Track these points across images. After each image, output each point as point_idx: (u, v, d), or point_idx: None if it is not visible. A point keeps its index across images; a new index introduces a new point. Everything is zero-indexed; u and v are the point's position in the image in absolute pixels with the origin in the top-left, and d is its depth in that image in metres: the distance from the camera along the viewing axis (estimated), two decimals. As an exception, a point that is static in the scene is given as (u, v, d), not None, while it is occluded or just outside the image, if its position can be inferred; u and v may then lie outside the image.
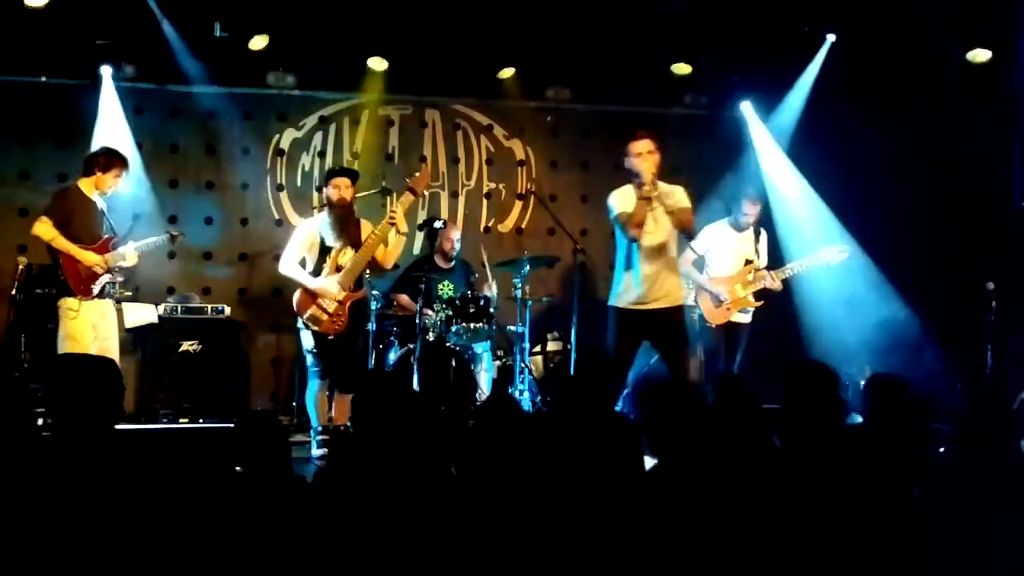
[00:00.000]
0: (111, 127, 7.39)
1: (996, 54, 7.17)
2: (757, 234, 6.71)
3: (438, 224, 6.63)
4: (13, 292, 6.78)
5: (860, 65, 7.42)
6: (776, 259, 6.89)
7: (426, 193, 7.50)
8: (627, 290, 5.78)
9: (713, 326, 6.58)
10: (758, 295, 6.61)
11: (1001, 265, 6.93)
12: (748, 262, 6.62)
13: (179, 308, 7.11)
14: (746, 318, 6.65)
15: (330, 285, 5.87)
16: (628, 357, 5.88)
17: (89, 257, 5.85)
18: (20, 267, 6.85)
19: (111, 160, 6.00)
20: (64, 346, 5.76)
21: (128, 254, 5.99)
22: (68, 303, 5.81)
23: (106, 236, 5.99)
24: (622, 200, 5.81)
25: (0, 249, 7.27)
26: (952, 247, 7.53)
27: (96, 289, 5.87)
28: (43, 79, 7.41)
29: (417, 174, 6.21)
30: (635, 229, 5.68)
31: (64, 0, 6.60)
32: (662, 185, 5.74)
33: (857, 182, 7.79)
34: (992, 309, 6.52)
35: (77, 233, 5.86)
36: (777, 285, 6.57)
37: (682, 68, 7.64)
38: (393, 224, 5.92)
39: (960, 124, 7.43)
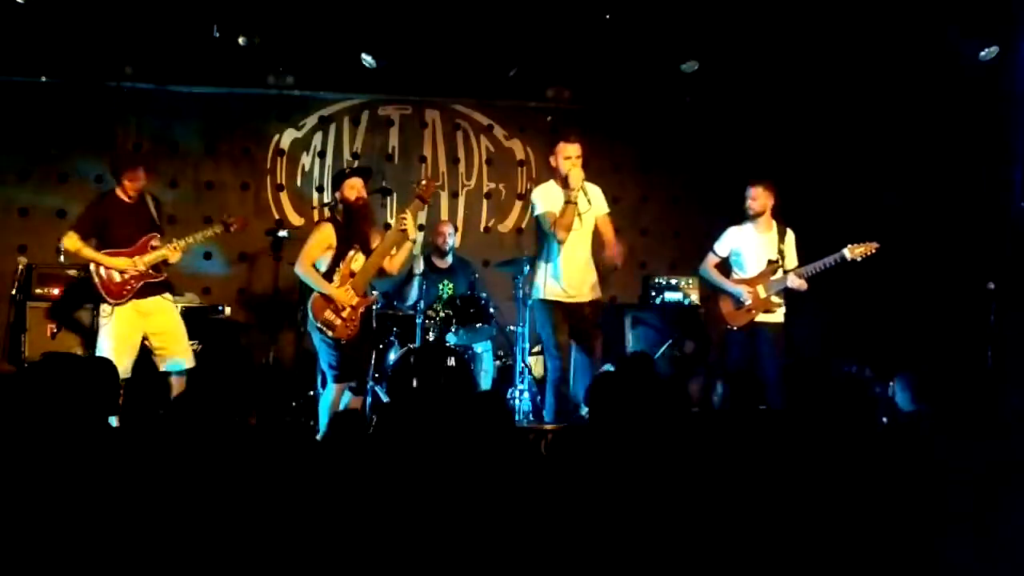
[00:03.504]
0: (110, 127, 7.43)
1: (998, 52, 7.16)
2: (782, 234, 6.51)
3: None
4: (13, 292, 6.80)
5: (858, 64, 7.41)
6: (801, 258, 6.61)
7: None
8: (554, 283, 6.00)
9: (734, 328, 6.42)
10: (782, 296, 6.41)
11: (1001, 265, 6.92)
12: (771, 262, 6.44)
13: (178, 308, 7.09)
14: (775, 318, 6.43)
15: (344, 293, 5.84)
16: (569, 348, 6.05)
17: (117, 262, 5.88)
18: (20, 267, 6.87)
19: (121, 164, 6.09)
20: (99, 350, 5.81)
21: (167, 250, 5.96)
22: (103, 309, 5.91)
23: (145, 237, 5.97)
24: (547, 199, 6.06)
25: (0, 249, 7.29)
26: (952, 247, 7.52)
27: (129, 292, 5.90)
28: (43, 79, 7.41)
29: (424, 182, 6.13)
30: (563, 232, 5.92)
31: (64, 0, 6.61)
32: (586, 186, 5.99)
33: (857, 181, 7.80)
34: (992, 309, 6.49)
35: (113, 239, 5.92)
36: (799, 284, 6.34)
37: (690, 64, 7.59)
38: (404, 231, 5.89)
39: (961, 123, 7.43)
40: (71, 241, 5.86)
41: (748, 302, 6.40)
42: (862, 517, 2.99)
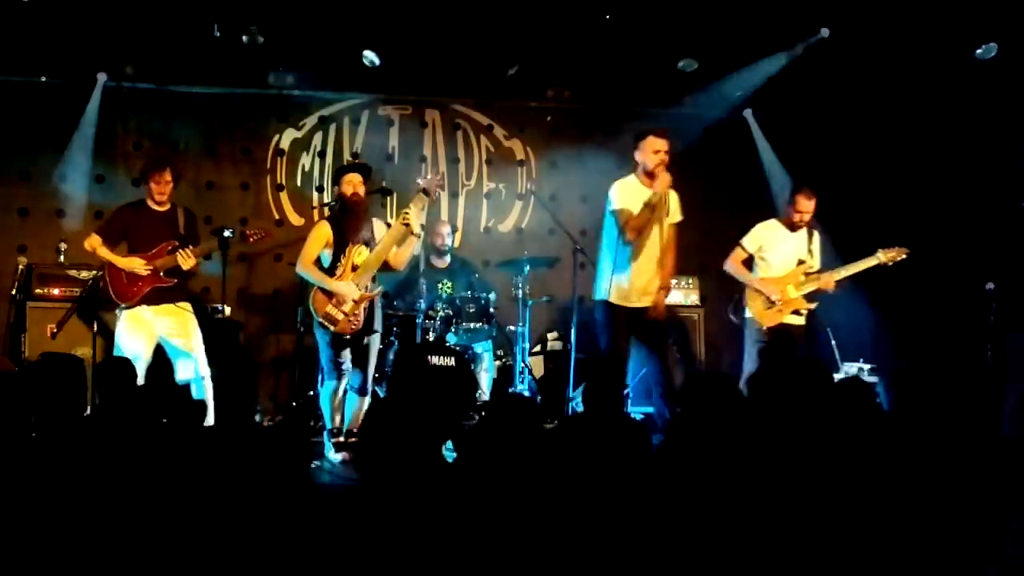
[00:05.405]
0: (109, 128, 7.43)
1: (1001, 51, 7.15)
2: (811, 234, 6.44)
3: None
4: (13, 292, 6.81)
5: (860, 63, 7.40)
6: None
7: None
8: (619, 286, 5.78)
9: (764, 328, 6.30)
10: (810, 297, 6.37)
11: (1001, 265, 6.91)
12: (800, 262, 6.38)
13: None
14: (799, 320, 6.36)
15: (347, 286, 5.82)
16: (626, 353, 5.86)
17: (127, 262, 5.98)
18: (20, 267, 6.89)
19: (146, 168, 6.27)
20: (114, 351, 5.96)
21: (180, 256, 5.96)
22: (117, 311, 6.06)
23: (164, 244, 6.03)
24: (625, 195, 5.81)
25: (0, 249, 7.29)
26: (952, 247, 7.51)
27: (136, 294, 5.97)
28: (43, 79, 7.41)
29: (429, 176, 6.08)
30: (633, 234, 5.71)
31: (64, 0, 6.61)
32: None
33: (857, 181, 7.80)
34: (992, 309, 6.49)
35: (133, 244, 6.07)
36: (831, 286, 6.30)
37: (690, 63, 7.58)
38: (407, 225, 5.86)
39: (962, 123, 7.42)
40: (90, 241, 6.04)
41: (779, 301, 6.29)
42: (857, 514, 3.00)
